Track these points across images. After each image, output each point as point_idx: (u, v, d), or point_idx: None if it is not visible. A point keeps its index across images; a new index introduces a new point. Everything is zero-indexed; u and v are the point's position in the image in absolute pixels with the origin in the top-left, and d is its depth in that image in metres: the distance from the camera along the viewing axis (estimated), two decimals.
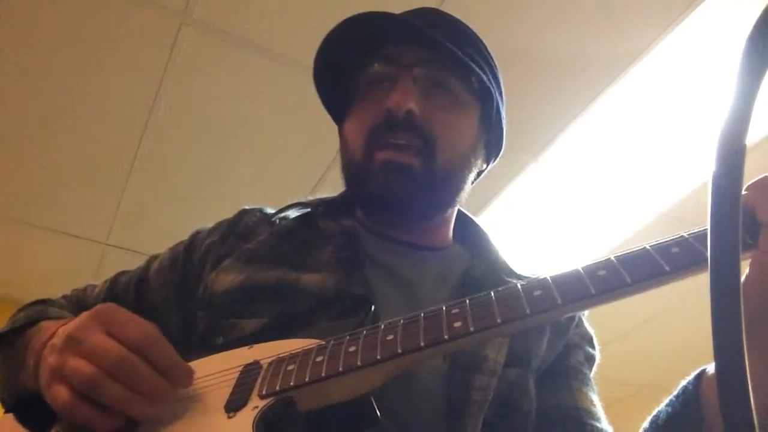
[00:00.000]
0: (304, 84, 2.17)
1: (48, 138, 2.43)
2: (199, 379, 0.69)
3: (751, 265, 0.58)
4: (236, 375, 0.68)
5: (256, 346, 0.72)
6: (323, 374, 0.61)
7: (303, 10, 1.97)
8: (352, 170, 0.91)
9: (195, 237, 0.98)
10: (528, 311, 0.57)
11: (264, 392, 0.63)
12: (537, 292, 0.58)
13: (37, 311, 0.88)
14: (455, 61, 0.88)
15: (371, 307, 0.75)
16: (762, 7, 0.37)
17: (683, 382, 0.70)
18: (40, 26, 2.02)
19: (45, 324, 0.79)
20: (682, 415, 0.67)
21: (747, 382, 0.32)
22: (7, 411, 0.82)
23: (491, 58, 0.97)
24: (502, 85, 0.98)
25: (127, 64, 2.14)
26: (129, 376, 0.62)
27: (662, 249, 0.56)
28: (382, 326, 0.64)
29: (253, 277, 0.84)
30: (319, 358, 0.63)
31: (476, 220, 1.03)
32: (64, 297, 0.99)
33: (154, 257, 0.99)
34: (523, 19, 1.95)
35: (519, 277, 0.90)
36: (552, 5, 1.92)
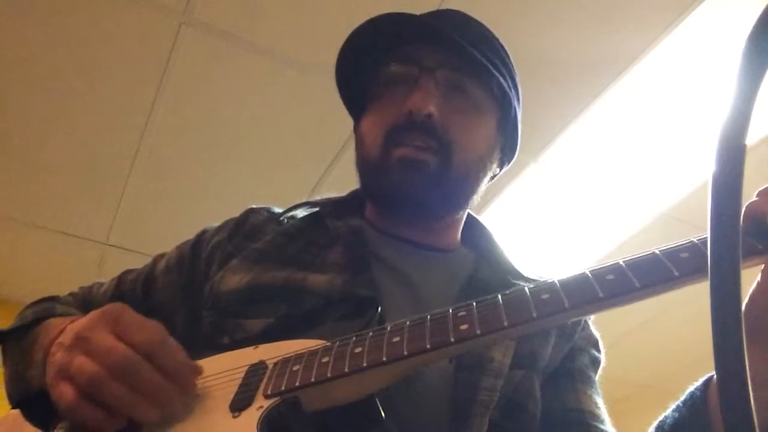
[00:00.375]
0: (305, 84, 2.18)
1: (48, 138, 2.43)
2: (204, 379, 0.69)
3: (762, 272, 0.58)
4: (242, 375, 0.68)
5: (262, 347, 0.72)
6: (329, 375, 0.61)
7: (303, 10, 1.97)
8: (368, 165, 0.91)
9: (202, 236, 0.98)
10: (535, 315, 0.57)
11: (269, 392, 0.63)
12: (545, 296, 0.58)
13: (45, 308, 0.88)
14: (477, 66, 0.88)
15: (378, 309, 0.75)
16: (762, 7, 0.36)
17: (690, 388, 0.69)
18: (40, 26, 2.02)
19: (53, 321, 0.79)
20: (689, 421, 0.67)
21: (747, 383, 0.32)
22: (14, 407, 0.82)
23: (511, 63, 0.97)
24: (520, 91, 0.98)
25: (127, 64, 2.14)
26: (133, 378, 0.62)
27: (671, 254, 0.56)
28: (389, 328, 0.64)
29: (260, 277, 0.84)
30: (324, 359, 0.63)
31: (483, 221, 1.03)
32: (71, 294, 0.99)
33: (161, 256, 0.99)
34: (523, 19, 1.95)
35: (526, 280, 0.90)
36: (552, 5, 1.92)
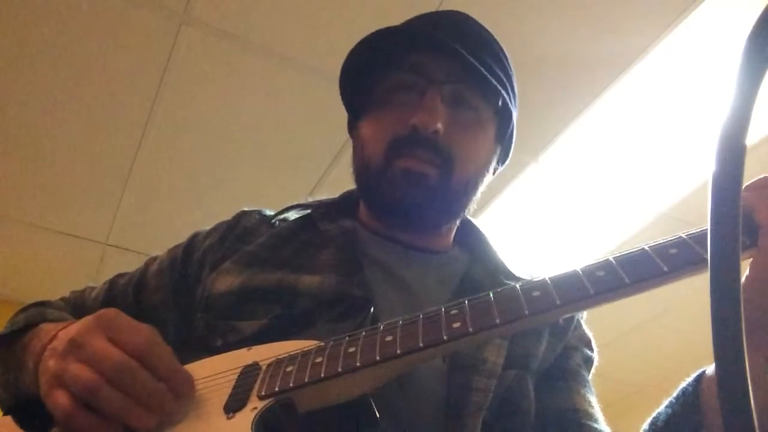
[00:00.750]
0: (304, 84, 2.18)
1: (48, 138, 2.43)
2: (198, 381, 0.69)
3: (750, 266, 0.58)
4: (235, 376, 0.68)
5: (255, 348, 0.72)
6: (322, 375, 0.61)
7: (303, 10, 1.97)
8: (368, 172, 0.91)
9: (194, 239, 0.97)
10: (527, 312, 0.57)
11: (263, 393, 0.63)
12: (535, 293, 0.58)
13: (36, 313, 0.87)
14: (484, 83, 0.89)
15: (370, 309, 0.75)
16: (762, 7, 0.36)
17: (683, 384, 0.70)
18: (40, 27, 2.02)
19: (45, 326, 0.79)
20: (682, 416, 0.67)
21: (747, 383, 0.32)
22: (5, 413, 0.82)
23: (511, 68, 0.98)
24: (517, 95, 0.99)
25: (127, 64, 2.14)
26: (129, 384, 0.61)
27: (660, 250, 0.56)
28: (381, 327, 0.64)
29: (253, 279, 0.84)
30: (318, 359, 0.63)
31: (476, 222, 1.04)
32: (63, 299, 0.99)
33: (153, 259, 0.99)
34: (523, 19, 1.95)
35: (518, 280, 0.90)
36: (552, 5, 1.92)
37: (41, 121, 2.36)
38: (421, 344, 0.59)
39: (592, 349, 0.93)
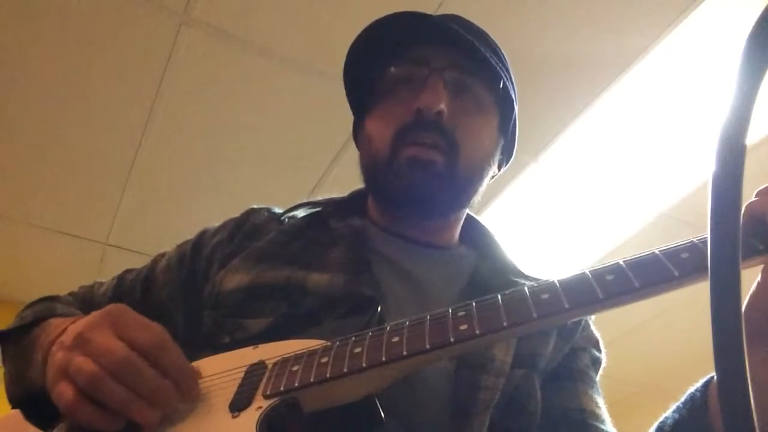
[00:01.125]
0: (304, 84, 2.18)
1: (48, 138, 2.43)
2: (204, 379, 0.69)
3: (763, 272, 0.58)
4: (241, 375, 0.68)
5: (262, 346, 0.72)
6: (328, 375, 0.61)
7: (302, 10, 1.97)
8: (376, 164, 0.91)
9: (203, 235, 0.98)
10: (535, 315, 0.57)
11: (268, 392, 0.63)
12: (544, 296, 0.58)
13: (45, 308, 0.88)
14: (485, 67, 0.89)
15: (377, 308, 0.75)
16: (762, 7, 0.36)
17: (691, 389, 0.69)
18: (40, 27, 2.02)
19: (53, 321, 0.79)
20: (689, 422, 0.67)
21: (747, 383, 0.32)
22: (14, 407, 0.82)
23: (507, 62, 0.99)
24: (516, 91, 0.99)
25: (127, 64, 2.14)
26: (132, 378, 0.62)
27: (671, 254, 0.55)
28: (388, 328, 0.64)
29: (261, 277, 0.84)
30: (324, 359, 0.63)
31: (481, 220, 1.04)
32: (71, 294, 0.99)
33: (161, 255, 0.99)
34: (523, 19, 1.95)
35: (526, 277, 0.91)
36: (552, 5, 1.92)
37: (41, 121, 2.35)
38: (427, 346, 0.59)
39: (600, 350, 0.93)
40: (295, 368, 0.64)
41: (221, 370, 0.70)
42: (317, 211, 0.98)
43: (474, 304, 0.61)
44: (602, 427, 0.83)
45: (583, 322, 0.92)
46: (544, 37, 2.01)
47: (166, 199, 2.73)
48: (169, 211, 2.78)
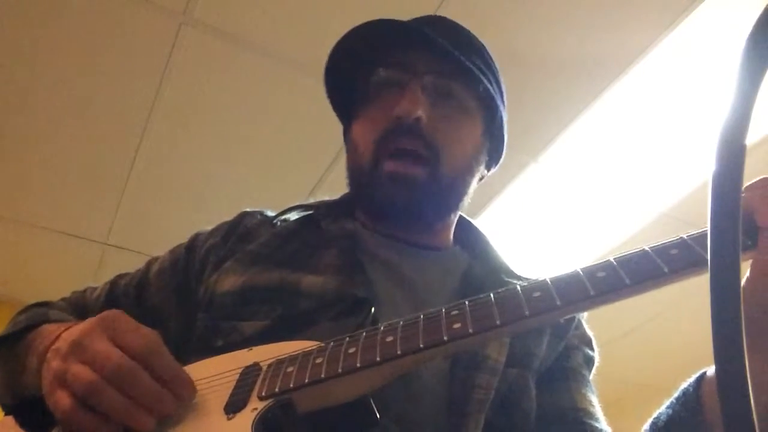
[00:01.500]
0: (304, 84, 2.18)
1: (48, 138, 2.42)
2: (198, 381, 0.69)
3: (751, 267, 0.58)
4: (236, 377, 0.68)
5: (256, 348, 0.72)
6: (322, 376, 0.61)
7: (303, 10, 1.97)
8: (359, 177, 0.92)
9: (196, 239, 0.98)
10: (527, 313, 0.57)
11: (263, 394, 0.63)
12: (536, 294, 0.58)
13: (38, 314, 0.87)
14: (464, 70, 0.89)
15: (371, 308, 0.75)
16: (762, 7, 0.36)
17: (684, 385, 0.70)
18: (40, 27, 2.02)
19: (47, 327, 0.79)
20: (683, 417, 0.67)
21: (747, 383, 0.32)
22: (7, 413, 0.82)
23: (494, 64, 0.99)
24: (504, 91, 0.99)
25: (127, 64, 2.14)
26: (129, 385, 0.62)
27: (661, 250, 0.56)
28: (382, 328, 0.64)
29: (254, 279, 0.84)
30: (318, 360, 0.63)
31: (475, 223, 1.04)
32: (64, 299, 0.99)
33: (154, 259, 0.99)
34: (523, 19, 1.95)
35: (519, 278, 0.91)
36: (552, 5, 1.92)
37: (41, 121, 2.35)
38: (421, 345, 0.59)
39: (593, 349, 0.94)
40: (289, 369, 0.64)
41: (216, 372, 0.70)
42: (310, 214, 0.98)
43: (467, 303, 0.62)
44: (596, 425, 0.83)
45: (576, 321, 0.92)
46: (544, 37, 2.01)
47: (166, 199, 2.73)
48: (169, 211, 2.77)
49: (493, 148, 0.99)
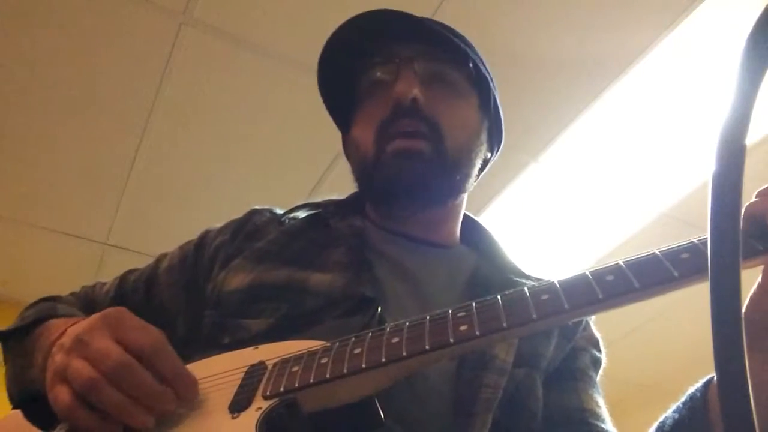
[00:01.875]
0: (304, 84, 2.18)
1: (48, 138, 2.42)
2: (203, 379, 0.69)
3: (763, 273, 0.58)
4: (241, 375, 0.68)
5: (262, 347, 0.72)
6: (327, 376, 0.61)
7: (302, 10, 1.97)
8: (364, 165, 0.92)
9: (205, 236, 0.98)
10: (534, 316, 0.57)
11: (268, 393, 0.63)
12: (544, 297, 0.58)
13: (46, 308, 0.88)
14: (453, 50, 0.90)
15: (378, 308, 0.75)
16: (762, 7, 0.36)
17: (691, 389, 0.69)
18: (40, 27, 2.02)
19: (54, 322, 0.80)
20: (689, 422, 0.67)
21: (747, 383, 0.32)
22: (15, 407, 0.82)
23: (480, 54, 0.99)
24: (492, 77, 0.99)
25: (127, 64, 2.14)
26: (129, 383, 0.62)
27: (671, 254, 0.55)
28: (388, 328, 0.64)
29: (262, 277, 0.84)
30: (323, 360, 0.63)
31: (480, 221, 1.04)
32: (73, 294, 0.99)
33: (164, 255, 0.99)
34: (523, 19, 1.95)
35: (527, 277, 0.91)
36: (552, 5, 1.92)
37: (41, 121, 2.35)
38: (427, 346, 0.59)
39: (600, 351, 0.93)
40: (295, 369, 0.64)
41: (221, 370, 0.70)
42: (318, 212, 0.98)
43: (474, 304, 0.61)
44: (603, 426, 0.83)
45: (583, 322, 0.92)
46: (544, 37, 2.01)
47: (166, 199, 2.73)
48: (169, 211, 2.77)
49: (492, 128, 1.00)
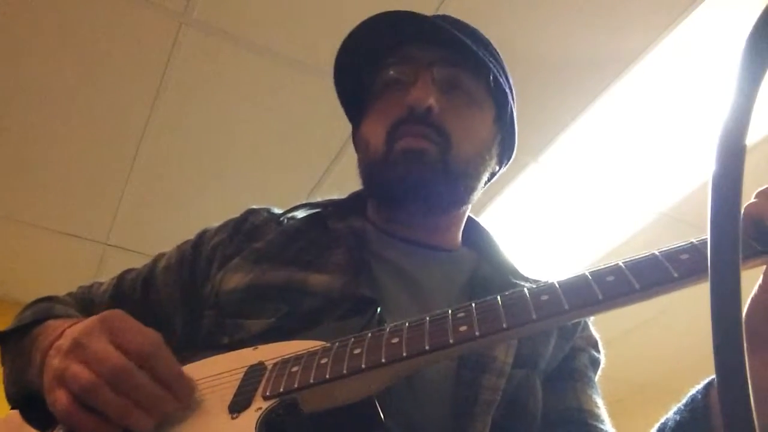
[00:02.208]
0: (304, 84, 2.18)
1: (48, 138, 2.42)
2: (203, 380, 0.69)
3: (764, 274, 0.58)
4: (240, 376, 0.68)
5: (261, 347, 0.72)
6: (327, 376, 0.61)
7: (302, 10, 1.97)
8: (373, 162, 0.91)
9: (202, 236, 0.98)
10: (534, 317, 0.57)
11: (268, 393, 0.63)
12: (544, 297, 0.58)
13: (44, 309, 0.87)
14: (472, 60, 0.90)
15: (377, 308, 0.75)
16: (762, 7, 0.36)
17: (692, 391, 0.69)
18: (40, 27, 2.02)
19: (51, 323, 0.79)
20: (691, 423, 0.67)
21: (747, 384, 0.32)
22: (13, 407, 0.82)
23: (501, 58, 0.99)
24: (513, 87, 0.99)
25: (127, 64, 2.14)
26: (127, 386, 0.62)
27: (671, 255, 0.55)
28: (388, 329, 0.64)
29: (261, 278, 0.84)
30: (323, 360, 0.63)
31: (481, 222, 1.04)
32: (70, 294, 0.99)
33: (161, 255, 0.99)
34: (523, 19, 1.95)
35: (526, 279, 0.91)
36: (552, 5, 1.92)
37: (41, 121, 2.35)
38: (426, 347, 0.59)
39: (598, 351, 0.93)
40: (294, 369, 0.64)
41: (220, 371, 0.70)
42: (317, 212, 0.98)
43: (474, 305, 0.61)
44: (601, 426, 0.83)
45: (582, 323, 0.92)
46: (543, 37, 2.01)
47: (166, 199, 2.73)
48: (169, 211, 2.77)
49: (504, 141, 0.99)
